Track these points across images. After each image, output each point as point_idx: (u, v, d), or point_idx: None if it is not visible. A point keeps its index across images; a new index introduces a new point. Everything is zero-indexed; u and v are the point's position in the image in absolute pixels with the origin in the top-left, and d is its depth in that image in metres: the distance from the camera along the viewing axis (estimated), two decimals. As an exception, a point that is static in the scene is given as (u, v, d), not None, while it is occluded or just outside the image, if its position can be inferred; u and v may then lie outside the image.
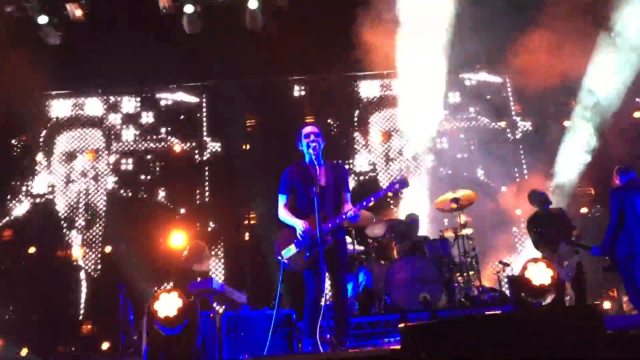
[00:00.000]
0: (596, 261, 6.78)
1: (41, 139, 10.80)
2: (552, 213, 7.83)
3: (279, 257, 4.96)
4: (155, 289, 9.44)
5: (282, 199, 5.10)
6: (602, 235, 6.24)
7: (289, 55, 10.10)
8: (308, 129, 5.12)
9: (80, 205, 10.45)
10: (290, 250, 4.91)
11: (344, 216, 4.87)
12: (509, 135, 11.04)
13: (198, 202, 10.57)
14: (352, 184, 10.39)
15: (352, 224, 6.41)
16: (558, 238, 7.35)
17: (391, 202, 10.40)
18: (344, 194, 5.10)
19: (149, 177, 10.68)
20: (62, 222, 10.33)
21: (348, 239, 7.71)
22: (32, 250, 10.11)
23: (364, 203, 4.91)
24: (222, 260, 9.99)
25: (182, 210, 10.45)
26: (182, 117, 10.97)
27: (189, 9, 9.50)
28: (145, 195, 10.56)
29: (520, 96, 11.11)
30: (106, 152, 10.80)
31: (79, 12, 9.18)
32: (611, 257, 6.12)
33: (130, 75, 10.40)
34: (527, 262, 6.71)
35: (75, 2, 9.26)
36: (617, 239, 5.99)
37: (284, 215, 5.04)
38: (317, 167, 4.93)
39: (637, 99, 10.90)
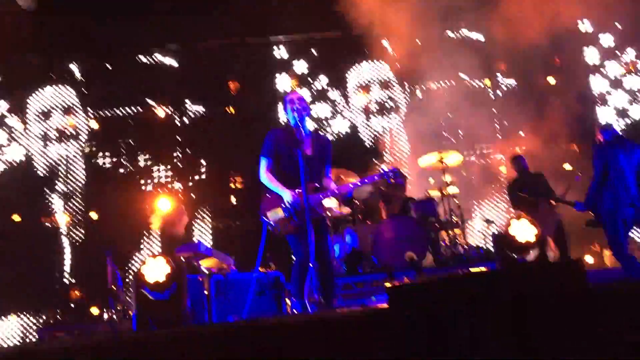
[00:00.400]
0: (579, 217, 6.84)
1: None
2: (531, 176, 7.96)
3: (264, 218, 4.95)
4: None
5: (264, 162, 5.05)
6: (585, 191, 6.29)
7: (271, 16, 9.95)
8: (293, 95, 5.12)
9: (60, 169, 10.31)
10: (277, 213, 4.90)
11: (337, 192, 4.91)
12: (491, 94, 11.00)
13: (181, 166, 10.48)
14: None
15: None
16: (537, 199, 7.44)
17: (376, 162, 10.41)
18: (326, 167, 5.11)
19: (129, 141, 10.53)
20: (43, 186, 10.21)
21: (334, 202, 7.74)
22: (16, 218, 10.02)
23: (358, 183, 4.98)
24: (209, 224, 9.98)
25: (165, 175, 10.37)
26: (161, 81, 10.76)
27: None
28: (126, 159, 10.43)
29: (504, 54, 11.05)
30: (83, 114, 10.60)
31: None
32: (594, 212, 6.18)
33: (109, 38, 10.16)
34: (510, 219, 6.80)
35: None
36: (601, 194, 6.05)
37: (269, 180, 4.99)
38: (303, 132, 4.89)
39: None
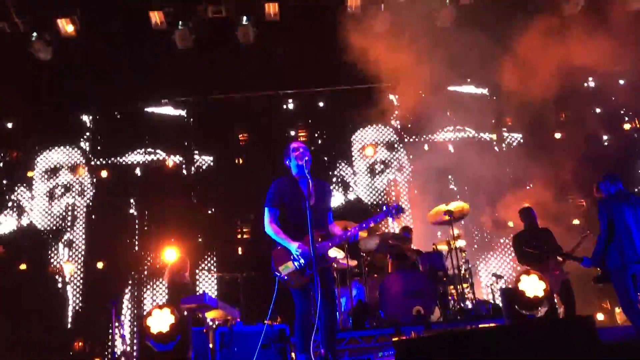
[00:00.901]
0: (589, 273, 6.77)
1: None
2: (539, 231, 7.80)
3: (276, 273, 4.86)
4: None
5: (270, 213, 5.00)
6: (594, 247, 6.23)
7: (280, 70, 10.18)
8: (297, 144, 5.12)
9: (67, 221, 10.37)
10: (288, 267, 4.81)
11: (344, 236, 4.86)
12: (496, 147, 11.08)
13: (189, 216, 10.51)
14: (339, 201, 10.51)
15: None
16: (545, 254, 7.33)
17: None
18: (329, 213, 5.09)
19: (137, 190, 10.62)
20: (49, 237, 10.24)
21: (341, 253, 7.71)
22: (23, 267, 10.02)
23: (364, 225, 4.90)
24: (215, 275, 9.93)
25: (172, 225, 10.40)
26: (171, 131, 10.94)
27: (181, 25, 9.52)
28: (134, 210, 10.49)
29: (510, 109, 11.21)
30: (92, 165, 10.75)
31: (70, 28, 9.16)
32: (602, 268, 6.10)
33: (121, 92, 10.40)
34: (520, 274, 6.73)
35: (66, 18, 9.25)
36: (608, 250, 5.98)
37: (274, 232, 4.92)
38: (309, 180, 4.88)
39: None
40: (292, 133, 10.98)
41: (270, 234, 4.95)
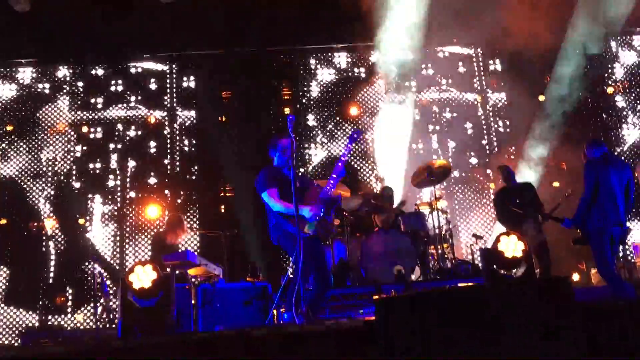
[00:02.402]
0: (567, 234, 6.87)
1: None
2: (519, 188, 7.86)
3: (304, 232, 4.95)
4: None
5: (272, 193, 5.11)
6: (573, 209, 6.30)
7: (265, 25, 9.99)
8: (285, 141, 5.18)
9: (49, 174, 10.26)
10: (311, 225, 5.01)
11: (334, 175, 5.05)
12: (480, 109, 11.08)
13: (171, 173, 10.46)
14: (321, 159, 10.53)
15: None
16: (524, 213, 7.39)
17: (366, 176, 10.48)
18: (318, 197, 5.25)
19: (118, 147, 10.51)
20: (32, 192, 10.14)
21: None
22: (3, 221, 9.95)
23: (339, 163, 5.10)
24: (198, 233, 9.95)
25: (154, 181, 10.34)
26: (152, 85, 10.78)
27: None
28: (115, 166, 10.40)
29: (494, 70, 11.19)
30: (74, 119, 10.58)
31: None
32: (582, 229, 6.18)
33: (100, 44, 10.16)
34: (499, 235, 6.83)
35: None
36: (590, 211, 6.03)
37: (285, 207, 5.02)
38: (291, 171, 4.92)
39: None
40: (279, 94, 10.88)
41: (281, 209, 5.05)
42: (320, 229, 5.04)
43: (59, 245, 9.87)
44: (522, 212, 7.37)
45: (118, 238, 9.93)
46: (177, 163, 10.54)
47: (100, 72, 10.79)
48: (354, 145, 5.36)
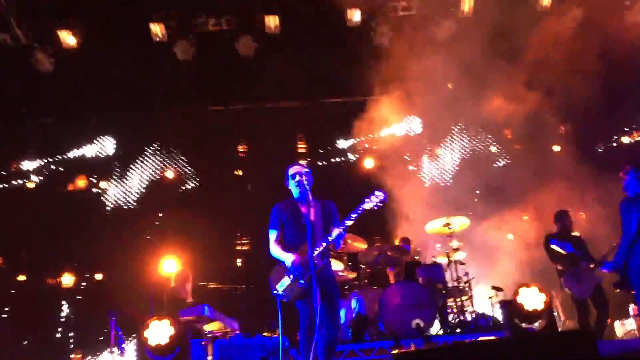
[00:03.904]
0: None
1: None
2: (572, 236, 7.60)
3: (275, 291, 4.94)
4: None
5: (272, 234, 5.14)
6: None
7: (281, 82, 10.20)
8: (295, 168, 5.19)
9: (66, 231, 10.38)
10: (284, 282, 4.91)
11: (329, 237, 4.85)
12: (499, 160, 11.09)
13: (188, 228, 10.51)
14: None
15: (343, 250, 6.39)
16: (579, 257, 7.16)
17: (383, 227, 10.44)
18: (333, 229, 5.03)
19: (138, 204, 10.64)
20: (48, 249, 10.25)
21: (341, 265, 7.70)
22: (22, 278, 10.02)
23: (345, 222, 4.86)
24: (214, 287, 9.90)
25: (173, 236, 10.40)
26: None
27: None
28: (135, 222, 10.50)
29: (509, 121, 11.24)
30: (98, 178, 10.78)
31: (72, 40, 9.17)
32: (623, 272, 5.86)
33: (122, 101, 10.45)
34: (519, 287, 6.73)
35: (67, 29, 9.27)
36: (632, 250, 5.69)
37: (275, 250, 5.06)
38: (306, 202, 4.93)
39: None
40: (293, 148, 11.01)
41: (273, 254, 5.08)
42: (293, 289, 4.84)
43: (76, 301, 9.88)
44: (574, 256, 7.11)
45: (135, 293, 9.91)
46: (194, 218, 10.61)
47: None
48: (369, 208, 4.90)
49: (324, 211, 5.15)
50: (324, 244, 4.85)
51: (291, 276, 4.87)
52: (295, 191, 5.15)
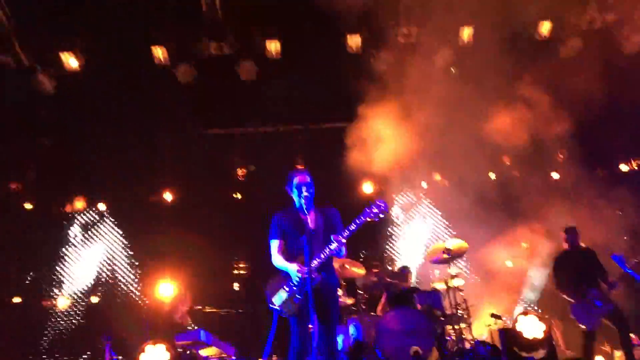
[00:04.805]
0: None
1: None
2: (582, 253, 7.51)
3: (271, 305, 4.89)
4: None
5: (274, 244, 5.06)
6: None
7: (281, 106, 10.25)
8: (299, 179, 5.08)
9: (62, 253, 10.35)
10: (281, 295, 4.86)
11: (327, 250, 4.79)
12: (498, 185, 11.08)
13: (184, 251, 10.46)
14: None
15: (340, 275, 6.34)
16: (587, 281, 7.07)
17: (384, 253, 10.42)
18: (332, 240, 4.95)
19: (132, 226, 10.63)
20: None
21: (339, 291, 7.65)
22: (17, 299, 9.95)
23: (344, 233, 4.80)
24: (211, 311, 9.82)
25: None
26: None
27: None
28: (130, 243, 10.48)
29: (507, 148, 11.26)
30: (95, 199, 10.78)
31: (74, 63, 9.22)
32: None
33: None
34: (518, 315, 6.69)
35: (69, 52, 9.32)
36: None
37: (278, 260, 4.99)
38: (307, 212, 4.88)
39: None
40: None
41: (275, 264, 5.01)
42: (285, 304, 4.80)
43: (71, 324, 9.80)
44: (585, 280, 7.03)
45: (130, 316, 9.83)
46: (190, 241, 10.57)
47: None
48: (369, 219, 4.82)
49: (326, 219, 5.06)
50: (323, 256, 4.77)
51: (287, 289, 4.83)
52: (297, 200, 5.07)
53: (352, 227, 4.80)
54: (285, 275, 4.92)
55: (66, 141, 10.91)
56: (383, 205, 4.81)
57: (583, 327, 6.98)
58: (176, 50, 9.29)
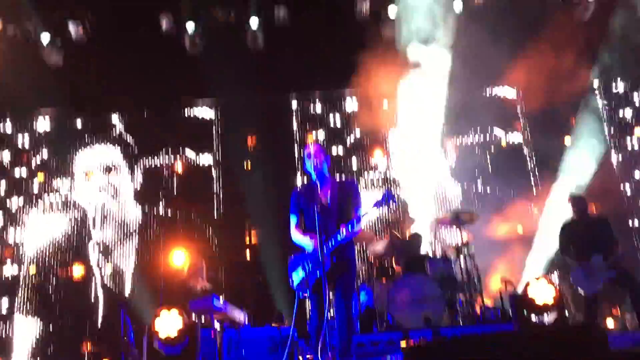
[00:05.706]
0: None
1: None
2: (592, 222, 7.36)
3: (292, 284, 4.92)
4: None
5: (293, 219, 5.08)
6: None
7: (290, 73, 10.17)
8: (309, 149, 5.09)
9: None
10: (299, 274, 4.88)
11: (338, 237, 4.75)
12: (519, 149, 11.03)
13: (198, 219, 10.54)
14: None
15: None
16: (592, 249, 6.96)
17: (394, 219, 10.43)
18: (353, 212, 4.95)
19: (161, 193, 10.72)
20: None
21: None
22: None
23: (354, 221, 4.79)
24: (223, 278, 9.95)
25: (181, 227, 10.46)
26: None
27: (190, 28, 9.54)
28: (143, 212, 10.58)
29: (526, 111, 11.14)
30: (123, 167, 10.84)
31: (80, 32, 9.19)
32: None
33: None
34: (528, 280, 6.69)
35: (77, 20, 9.27)
36: None
37: (296, 235, 5.01)
38: (319, 185, 4.90)
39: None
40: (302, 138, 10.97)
41: (294, 240, 5.03)
42: (303, 286, 4.79)
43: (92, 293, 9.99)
44: (590, 247, 6.95)
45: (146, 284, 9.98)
46: (203, 209, 10.64)
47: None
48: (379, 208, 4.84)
49: (342, 193, 5.01)
50: (333, 242, 4.74)
51: (305, 268, 4.84)
52: (312, 174, 5.05)
53: (360, 217, 4.81)
54: (302, 253, 4.94)
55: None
56: (394, 196, 4.84)
57: (581, 291, 6.97)
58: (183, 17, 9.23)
